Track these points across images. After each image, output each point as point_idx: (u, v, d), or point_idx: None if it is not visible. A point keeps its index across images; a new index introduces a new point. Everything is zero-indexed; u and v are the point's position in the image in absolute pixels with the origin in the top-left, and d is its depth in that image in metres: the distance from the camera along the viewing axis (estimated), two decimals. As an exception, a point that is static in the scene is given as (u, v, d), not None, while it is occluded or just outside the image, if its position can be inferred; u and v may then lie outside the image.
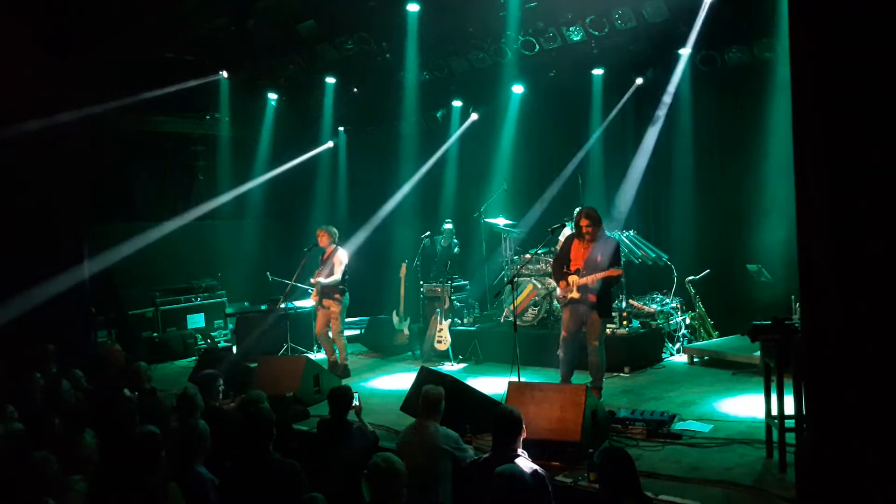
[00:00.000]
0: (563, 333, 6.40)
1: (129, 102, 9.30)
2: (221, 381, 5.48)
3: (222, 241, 11.07)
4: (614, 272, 6.09)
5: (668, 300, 8.36)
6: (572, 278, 6.22)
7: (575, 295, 6.20)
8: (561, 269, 6.36)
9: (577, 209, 6.81)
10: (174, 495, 3.30)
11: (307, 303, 9.10)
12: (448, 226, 9.59)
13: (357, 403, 4.96)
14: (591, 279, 6.11)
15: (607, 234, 6.70)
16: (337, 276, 7.97)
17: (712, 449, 5.06)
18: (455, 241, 9.57)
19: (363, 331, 9.73)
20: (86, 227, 9.47)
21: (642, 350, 7.69)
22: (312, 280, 8.13)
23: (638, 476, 3.51)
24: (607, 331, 7.68)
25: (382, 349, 9.21)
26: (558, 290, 6.51)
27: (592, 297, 6.16)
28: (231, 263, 11.11)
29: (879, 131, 3.23)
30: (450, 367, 8.10)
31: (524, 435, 4.01)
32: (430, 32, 8.49)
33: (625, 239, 8.36)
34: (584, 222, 6.20)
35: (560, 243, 7.26)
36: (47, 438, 4.24)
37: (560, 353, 6.42)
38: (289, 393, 6.53)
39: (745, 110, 8.47)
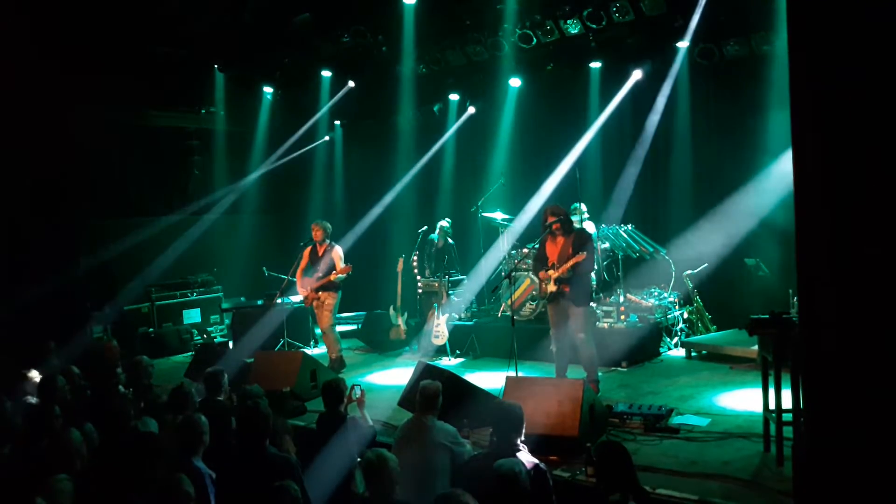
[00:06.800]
0: (552, 329, 6.48)
1: (124, 97, 9.26)
2: (226, 377, 5.47)
3: (218, 235, 11.04)
4: (578, 258, 6.15)
5: (665, 294, 8.36)
6: (550, 272, 6.33)
7: (552, 288, 6.32)
8: (541, 267, 6.48)
9: (547, 206, 6.79)
10: (185, 486, 3.29)
11: (303, 297, 9.08)
12: (445, 223, 9.26)
13: (359, 396, 4.95)
14: (562, 270, 6.23)
15: (577, 227, 6.86)
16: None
17: (710, 443, 5.06)
18: (451, 242, 9.40)
19: (360, 326, 9.72)
20: (82, 222, 9.45)
21: (640, 344, 7.67)
22: (301, 282, 8.09)
23: (635, 470, 3.51)
24: (604, 325, 7.75)
25: (379, 344, 9.19)
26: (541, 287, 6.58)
27: (566, 288, 6.25)
28: (227, 258, 11.08)
29: (878, 125, 3.21)
30: (447, 362, 8.09)
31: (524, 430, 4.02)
32: (426, 25, 8.46)
33: (623, 233, 8.35)
34: (550, 219, 6.35)
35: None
36: (44, 435, 4.23)
37: (553, 348, 6.49)
38: (285, 388, 6.52)
39: (743, 104, 8.44)
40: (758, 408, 5.10)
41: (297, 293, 8.51)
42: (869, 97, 3.22)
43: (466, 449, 4.39)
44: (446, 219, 9.43)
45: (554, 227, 6.33)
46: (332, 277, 7.92)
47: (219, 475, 3.92)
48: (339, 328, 8.43)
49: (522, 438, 3.97)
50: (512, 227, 9.05)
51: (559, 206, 6.57)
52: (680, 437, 5.20)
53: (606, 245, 8.25)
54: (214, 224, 10.97)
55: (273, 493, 3.24)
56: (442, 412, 4.51)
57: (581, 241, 6.29)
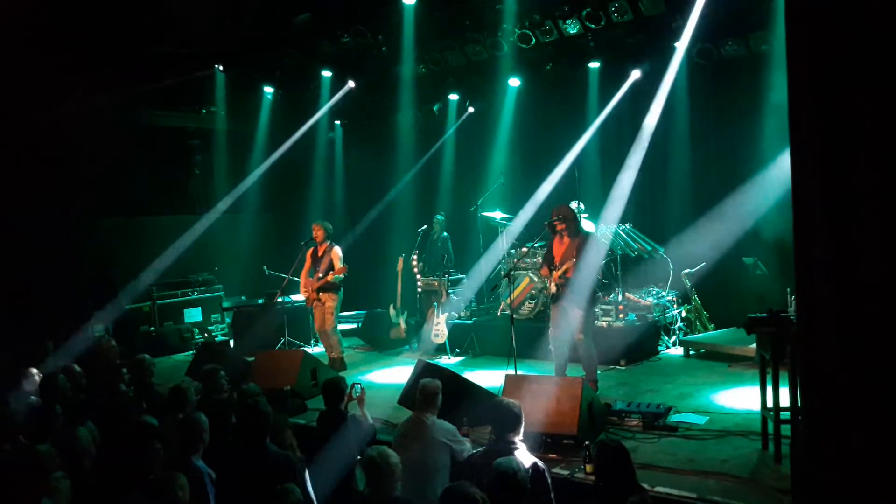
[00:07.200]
0: (550, 329, 6.52)
1: (124, 97, 9.27)
2: (224, 375, 5.49)
3: (219, 235, 11.05)
4: (566, 265, 6.17)
5: (664, 293, 8.38)
6: (554, 273, 6.36)
7: (553, 289, 6.35)
8: (549, 267, 6.50)
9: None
10: (177, 488, 3.31)
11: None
12: (438, 217, 9.58)
13: (360, 394, 4.98)
14: (556, 275, 6.26)
15: (585, 229, 6.83)
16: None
17: (708, 441, 5.09)
18: (445, 234, 9.52)
19: (360, 325, 9.74)
20: (82, 222, 9.46)
21: (638, 343, 7.71)
22: (304, 282, 8.13)
23: (634, 468, 3.53)
24: (603, 323, 7.77)
25: (379, 343, 9.22)
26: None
27: (565, 290, 6.27)
28: (228, 257, 11.10)
29: (877, 124, 3.23)
30: (447, 361, 8.11)
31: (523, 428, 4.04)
32: (426, 25, 8.47)
33: (621, 232, 8.37)
34: (554, 218, 6.34)
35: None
36: (46, 433, 4.26)
37: (551, 348, 6.51)
38: (286, 387, 6.54)
39: (741, 103, 8.46)
40: (756, 406, 5.13)
41: (297, 292, 8.54)
42: (868, 97, 3.24)
43: (466, 447, 4.41)
44: (441, 212, 9.59)
45: (558, 226, 6.33)
46: (330, 278, 7.94)
47: (219, 474, 3.93)
48: (340, 327, 8.44)
49: (521, 437, 4.00)
50: (511, 227, 9.07)
51: (566, 205, 6.55)
52: (678, 434, 5.22)
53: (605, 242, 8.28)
54: (215, 223, 10.98)
55: (274, 496, 3.26)
56: (441, 410, 4.54)
57: (581, 245, 6.28)
